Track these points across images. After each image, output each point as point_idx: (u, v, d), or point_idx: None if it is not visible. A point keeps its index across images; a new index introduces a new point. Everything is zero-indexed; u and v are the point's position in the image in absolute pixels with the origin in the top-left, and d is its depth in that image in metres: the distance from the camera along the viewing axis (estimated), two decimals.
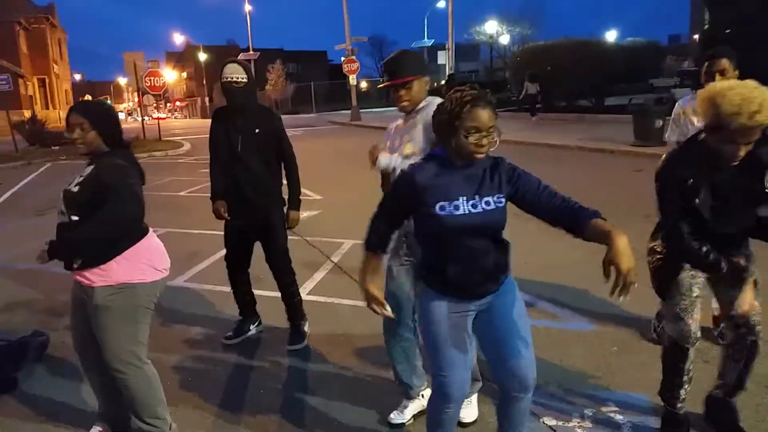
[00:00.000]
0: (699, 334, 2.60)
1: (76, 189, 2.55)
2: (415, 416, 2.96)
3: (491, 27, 37.39)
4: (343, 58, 28.79)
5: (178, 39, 61.31)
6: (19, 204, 10.42)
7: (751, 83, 2.19)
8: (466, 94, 2.05)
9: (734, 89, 2.17)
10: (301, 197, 3.92)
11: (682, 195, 2.40)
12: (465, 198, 2.08)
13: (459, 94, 2.07)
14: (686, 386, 2.66)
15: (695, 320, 2.57)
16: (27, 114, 28.00)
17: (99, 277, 2.57)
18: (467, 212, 2.07)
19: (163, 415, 2.80)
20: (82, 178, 2.57)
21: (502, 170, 2.15)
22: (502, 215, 2.13)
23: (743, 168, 2.31)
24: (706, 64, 3.34)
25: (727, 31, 14.43)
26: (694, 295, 2.55)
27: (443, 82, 26.26)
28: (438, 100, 2.73)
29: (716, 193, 2.37)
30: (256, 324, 4.17)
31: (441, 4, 34.49)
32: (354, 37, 29.26)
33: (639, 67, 23.97)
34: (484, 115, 2.02)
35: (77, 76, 76.22)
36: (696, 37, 28.23)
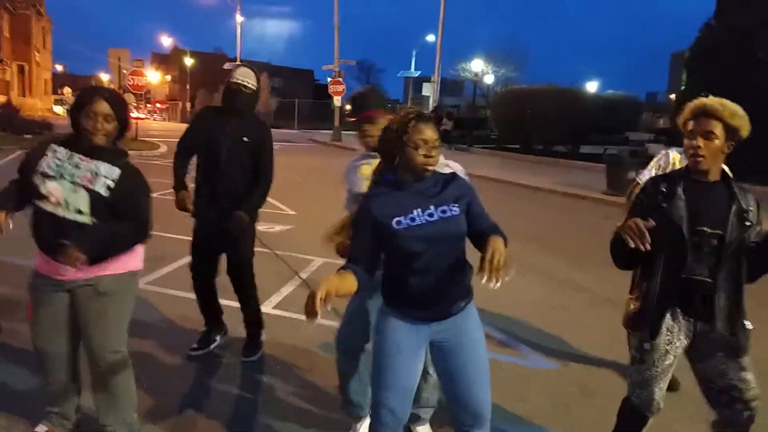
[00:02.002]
0: (662, 404, 2.52)
1: (106, 194, 2.46)
2: None
3: (477, 65, 38.05)
4: (329, 79, 28.98)
5: (166, 41, 61.03)
6: None
7: None
8: (409, 112, 2.18)
9: None
10: (259, 210, 3.77)
11: (655, 209, 2.39)
12: (420, 210, 2.13)
13: (402, 113, 2.18)
14: None
15: (662, 389, 2.50)
16: (2, 99, 27.37)
17: (112, 264, 2.55)
18: (424, 222, 2.12)
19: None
20: (110, 182, 2.48)
21: (456, 184, 2.24)
22: (459, 224, 2.17)
23: (718, 192, 2.39)
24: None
25: (702, 93, 14.93)
26: (667, 363, 2.45)
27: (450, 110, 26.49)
28: None
29: (692, 210, 2.36)
30: (222, 334, 4.05)
31: (431, 38, 35.15)
32: (343, 60, 29.53)
33: (616, 119, 24.71)
34: (428, 129, 2.13)
35: (59, 67, 74.97)
36: (672, 96, 29.24)
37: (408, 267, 2.14)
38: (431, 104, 28.38)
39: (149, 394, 3.28)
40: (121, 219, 2.53)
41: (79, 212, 2.44)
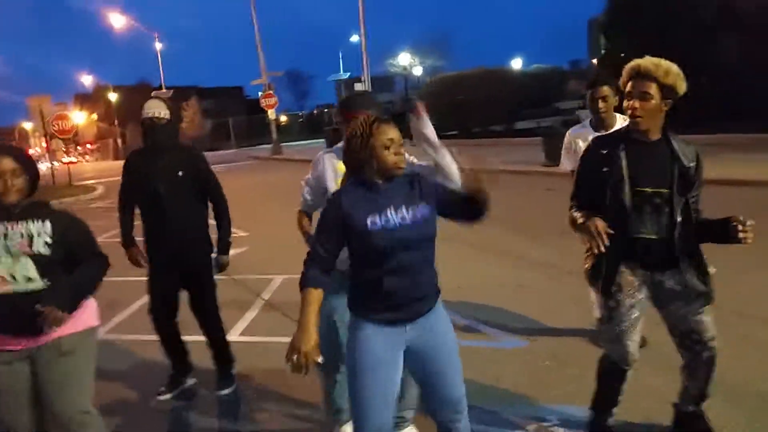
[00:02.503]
0: (637, 355, 2.63)
1: (48, 251, 2.37)
2: None
3: (404, 59, 38.44)
4: (260, 93, 28.62)
5: (87, 80, 59.01)
6: None
7: None
8: (369, 116, 2.20)
9: None
10: (230, 239, 3.77)
11: (598, 171, 2.51)
12: (393, 209, 2.13)
13: (361, 118, 2.19)
14: (619, 403, 2.73)
15: (634, 342, 2.59)
16: None
17: (69, 324, 2.44)
18: (398, 225, 2.11)
19: None
20: (47, 238, 2.38)
21: (422, 183, 2.25)
22: (431, 225, 2.20)
23: (660, 151, 2.48)
24: (590, 92, 3.62)
25: (622, 55, 15.55)
26: (634, 316, 2.56)
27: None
28: None
29: (633, 171, 2.45)
30: (189, 376, 3.90)
31: (355, 38, 35.17)
32: (270, 72, 29.21)
33: (545, 91, 25.40)
34: (391, 129, 2.15)
35: None
36: (594, 61, 30.22)
37: (381, 267, 2.12)
38: None
39: None
40: (76, 263, 2.47)
41: (29, 280, 2.36)
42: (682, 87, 2.42)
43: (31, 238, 2.38)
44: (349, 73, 36.58)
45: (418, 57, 42.05)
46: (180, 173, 3.52)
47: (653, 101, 2.40)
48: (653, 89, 2.39)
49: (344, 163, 2.25)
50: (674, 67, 2.42)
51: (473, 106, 23.08)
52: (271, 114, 28.78)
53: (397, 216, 2.13)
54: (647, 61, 2.43)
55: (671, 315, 2.58)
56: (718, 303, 2.58)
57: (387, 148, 2.12)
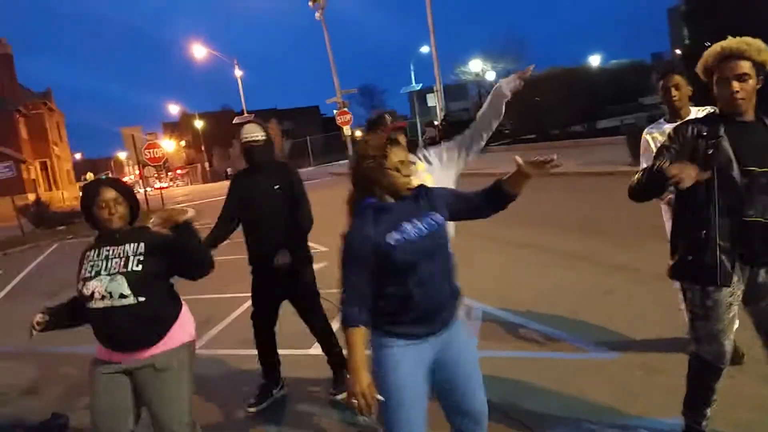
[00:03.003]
0: (731, 354, 2.54)
1: (139, 268, 2.58)
2: None
3: (476, 65, 38.10)
4: (335, 111, 29.28)
5: (174, 109, 62.53)
6: (31, 287, 10.46)
7: None
8: (381, 137, 2.23)
9: None
10: (309, 252, 3.93)
11: (699, 154, 2.38)
12: (408, 223, 2.16)
13: (374, 139, 2.22)
14: (713, 405, 2.61)
15: (731, 340, 2.50)
16: (31, 197, 28.25)
17: (164, 341, 2.66)
18: (416, 236, 2.13)
19: None
20: (140, 257, 2.59)
21: (428, 195, 2.28)
22: (445, 233, 2.24)
23: (758, 131, 2.37)
24: (661, 81, 3.54)
25: (707, 44, 14.72)
26: (732, 314, 2.47)
27: (436, 122, 26.68)
28: None
29: (738, 152, 2.34)
30: (279, 388, 4.05)
31: (425, 49, 35.28)
32: (344, 90, 29.84)
33: (626, 87, 24.38)
34: (402, 150, 2.21)
35: (77, 155, 77.27)
36: (678, 52, 28.81)
37: (406, 280, 2.14)
38: (438, 113, 28.42)
39: None
40: (170, 273, 2.69)
41: (122, 296, 2.56)
42: None
43: (127, 258, 2.61)
44: (420, 84, 36.57)
45: (490, 62, 41.55)
46: (276, 187, 3.76)
47: (751, 81, 2.34)
48: (749, 68, 2.32)
49: (353, 182, 2.28)
50: (762, 43, 2.34)
51: (550, 108, 22.51)
52: (347, 130, 29.33)
53: (413, 228, 2.16)
54: (737, 42, 2.34)
55: (759, 312, 2.47)
56: None
57: (398, 170, 2.17)
